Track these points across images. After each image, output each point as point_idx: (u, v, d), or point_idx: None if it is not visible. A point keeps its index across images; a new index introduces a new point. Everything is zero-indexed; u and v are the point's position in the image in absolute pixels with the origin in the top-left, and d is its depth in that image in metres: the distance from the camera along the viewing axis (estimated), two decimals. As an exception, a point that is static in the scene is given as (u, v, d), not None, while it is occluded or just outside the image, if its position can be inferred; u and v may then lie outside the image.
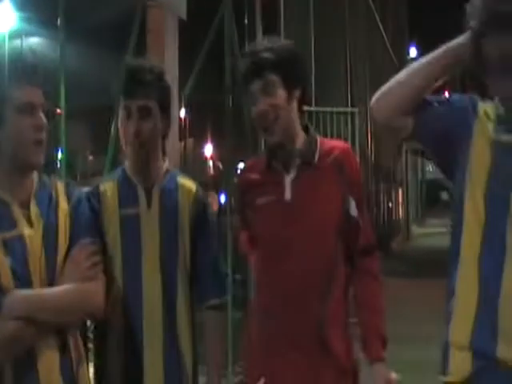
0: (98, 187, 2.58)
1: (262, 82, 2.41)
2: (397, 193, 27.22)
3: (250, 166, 2.66)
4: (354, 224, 2.52)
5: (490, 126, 2.12)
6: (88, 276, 2.25)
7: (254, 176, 2.56)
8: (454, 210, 2.18)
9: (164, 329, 2.50)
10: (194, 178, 2.72)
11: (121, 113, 2.53)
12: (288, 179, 2.48)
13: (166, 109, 2.57)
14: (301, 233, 2.46)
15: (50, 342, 2.19)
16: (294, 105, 2.50)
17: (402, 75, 2.22)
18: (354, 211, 2.51)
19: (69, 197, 2.34)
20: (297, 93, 2.49)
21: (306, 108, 9.06)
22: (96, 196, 2.54)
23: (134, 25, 6.85)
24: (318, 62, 11.39)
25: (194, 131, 22.60)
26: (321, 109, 9.54)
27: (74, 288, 2.22)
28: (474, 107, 2.17)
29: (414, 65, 2.23)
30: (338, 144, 2.63)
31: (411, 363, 6.05)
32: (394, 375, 2.48)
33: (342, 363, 2.49)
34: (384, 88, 2.23)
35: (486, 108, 2.15)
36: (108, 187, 2.57)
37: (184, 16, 6.74)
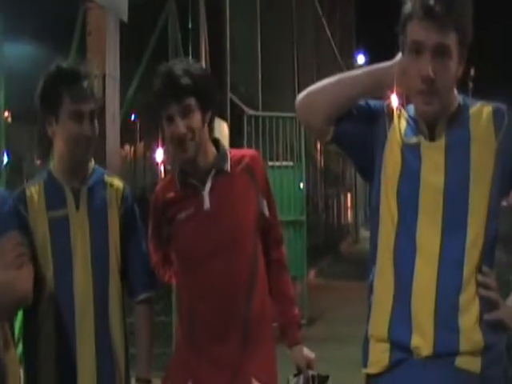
0: (23, 191, 2.60)
1: (180, 105, 2.49)
2: (346, 197, 27.50)
3: (162, 187, 2.71)
4: (266, 221, 2.68)
5: (402, 130, 2.19)
6: (15, 264, 2.32)
7: (170, 195, 2.63)
8: (372, 213, 2.26)
9: (96, 324, 2.54)
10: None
11: (68, 117, 2.52)
12: (205, 191, 2.59)
13: (101, 111, 2.72)
14: (224, 236, 2.57)
15: None
16: (206, 124, 2.60)
17: (332, 82, 2.26)
18: (266, 210, 2.68)
19: None
20: (209, 114, 2.60)
21: (253, 113, 9.05)
22: (22, 200, 2.57)
23: (76, 27, 6.77)
24: (265, 68, 11.40)
25: (145, 135, 22.38)
26: (268, 114, 9.56)
27: (2, 275, 2.29)
28: (390, 113, 2.24)
29: (347, 75, 2.30)
30: (247, 152, 2.79)
31: (356, 362, 6.08)
32: (312, 354, 2.70)
33: (266, 353, 2.62)
34: (313, 88, 2.27)
35: (400, 113, 2.23)
36: (34, 191, 2.60)
37: (125, 18, 6.67)
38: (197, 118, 2.51)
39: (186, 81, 2.47)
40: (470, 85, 30.44)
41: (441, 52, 2.04)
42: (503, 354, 2.15)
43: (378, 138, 2.21)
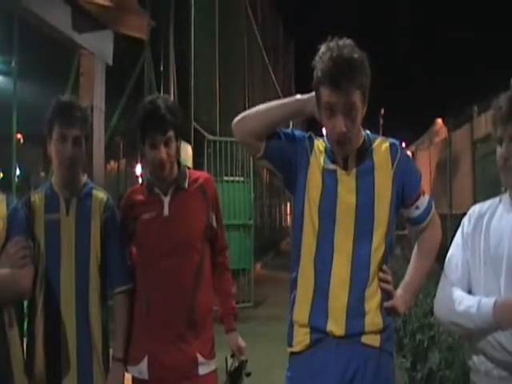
0: (29, 197, 2.61)
1: (164, 137, 2.50)
2: (285, 206, 27.63)
3: (133, 191, 2.72)
4: (214, 232, 2.71)
5: (321, 157, 2.21)
6: (19, 264, 2.32)
7: (138, 197, 2.65)
8: (295, 221, 2.27)
9: (77, 309, 2.52)
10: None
11: (56, 139, 2.52)
12: (166, 200, 2.60)
13: (88, 138, 2.62)
14: (178, 239, 2.57)
15: None
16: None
17: (261, 107, 2.25)
18: (214, 223, 2.70)
19: (8, 205, 2.41)
20: (179, 141, 2.63)
21: (212, 138, 9.03)
22: (27, 204, 2.58)
23: (72, 69, 6.74)
24: (223, 101, 11.45)
25: (127, 153, 22.06)
26: (224, 139, 9.57)
27: (7, 272, 2.29)
28: (311, 142, 2.25)
29: (272, 103, 2.25)
30: (202, 174, 2.79)
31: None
32: (243, 342, 2.74)
33: (206, 335, 2.64)
34: (246, 113, 2.25)
35: (319, 143, 2.24)
36: (37, 197, 2.61)
37: (110, 62, 6.69)
38: (174, 146, 2.54)
39: (169, 118, 2.49)
40: (381, 121, 30.84)
41: (349, 109, 2.05)
42: (394, 333, 2.24)
43: (301, 161, 2.21)
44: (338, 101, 2.03)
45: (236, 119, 2.24)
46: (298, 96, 2.23)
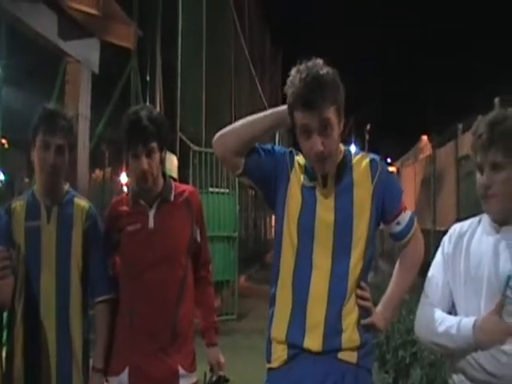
0: (10, 205, 2.61)
1: (146, 148, 2.49)
2: (270, 218, 27.63)
3: (118, 202, 2.70)
4: (198, 246, 2.70)
5: (301, 174, 2.21)
6: None
7: (124, 208, 2.63)
8: (276, 239, 2.26)
9: (57, 317, 2.50)
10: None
11: (38, 146, 2.51)
12: (151, 212, 2.59)
13: (72, 147, 2.61)
14: (162, 252, 2.56)
15: None
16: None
17: (240, 123, 2.23)
18: (198, 237, 2.69)
19: None
20: (164, 152, 2.61)
21: (198, 149, 9.02)
22: (8, 211, 2.56)
23: (58, 76, 6.73)
24: (209, 112, 11.44)
25: (113, 162, 21.92)
26: (209, 150, 9.55)
27: None
28: (292, 158, 2.25)
29: (251, 118, 2.23)
30: (187, 187, 2.77)
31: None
32: (222, 358, 2.73)
33: (187, 348, 2.63)
34: (225, 130, 2.23)
35: (299, 159, 2.24)
36: (18, 205, 2.60)
37: (96, 70, 6.69)
38: (157, 157, 2.53)
39: (151, 129, 2.48)
40: (367, 136, 31.04)
41: (324, 126, 2.05)
42: (374, 349, 2.21)
43: (281, 177, 2.21)
44: (313, 121, 2.04)
45: (216, 136, 2.22)
46: (277, 109, 2.22)
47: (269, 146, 2.26)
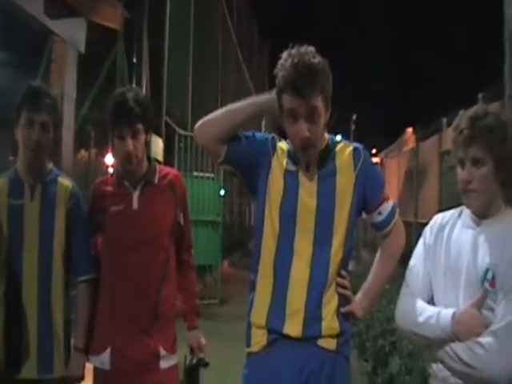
0: None
1: (131, 129, 2.49)
2: (255, 205, 27.65)
3: (102, 182, 2.70)
4: (181, 229, 2.69)
5: (284, 159, 2.21)
6: None
7: (108, 188, 2.63)
8: (257, 225, 2.27)
9: (39, 297, 2.51)
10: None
11: (22, 123, 2.50)
12: (135, 194, 2.59)
13: (57, 125, 2.59)
14: (145, 233, 2.56)
15: None
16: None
17: (222, 111, 2.23)
18: (182, 220, 2.69)
19: None
20: (149, 135, 2.61)
21: (183, 133, 8.96)
22: None
23: (44, 55, 6.65)
24: (195, 96, 11.39)
25: (98, 143, 21.71)
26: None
27: None
28: (274, 144, 2.25)
29: (233, 106, 2.24)
30: (171, 170, 2.77)
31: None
32: (203, 340, 2.74)
33: (169, 331, 2.64)
34: (207, 118, 2.23)
35: (282, 145, 2.24)
36: (1, 182, 2.58)
37: (82, 50, 6.62)
38: (142, 139, 2.53)
39: (137, 111, 2.48)
40: (352, 126, 31.15)
41: (311, 114, 2.06)
42: (351, 337, 2.24)
43: (263, 164, 2.21)
44: (300, 107, 2.05)
45: (198, 124, 2.22)
46: (259, 97, 2.23)
47: (250, 133, 2.26)
